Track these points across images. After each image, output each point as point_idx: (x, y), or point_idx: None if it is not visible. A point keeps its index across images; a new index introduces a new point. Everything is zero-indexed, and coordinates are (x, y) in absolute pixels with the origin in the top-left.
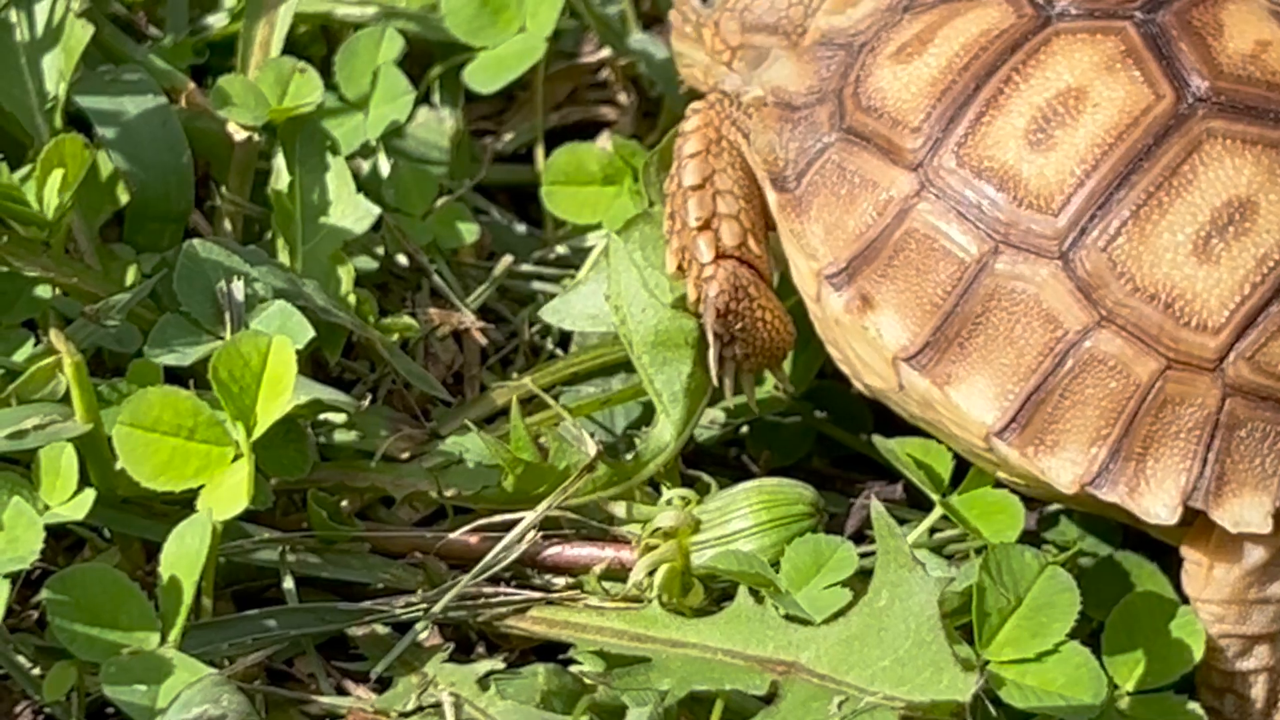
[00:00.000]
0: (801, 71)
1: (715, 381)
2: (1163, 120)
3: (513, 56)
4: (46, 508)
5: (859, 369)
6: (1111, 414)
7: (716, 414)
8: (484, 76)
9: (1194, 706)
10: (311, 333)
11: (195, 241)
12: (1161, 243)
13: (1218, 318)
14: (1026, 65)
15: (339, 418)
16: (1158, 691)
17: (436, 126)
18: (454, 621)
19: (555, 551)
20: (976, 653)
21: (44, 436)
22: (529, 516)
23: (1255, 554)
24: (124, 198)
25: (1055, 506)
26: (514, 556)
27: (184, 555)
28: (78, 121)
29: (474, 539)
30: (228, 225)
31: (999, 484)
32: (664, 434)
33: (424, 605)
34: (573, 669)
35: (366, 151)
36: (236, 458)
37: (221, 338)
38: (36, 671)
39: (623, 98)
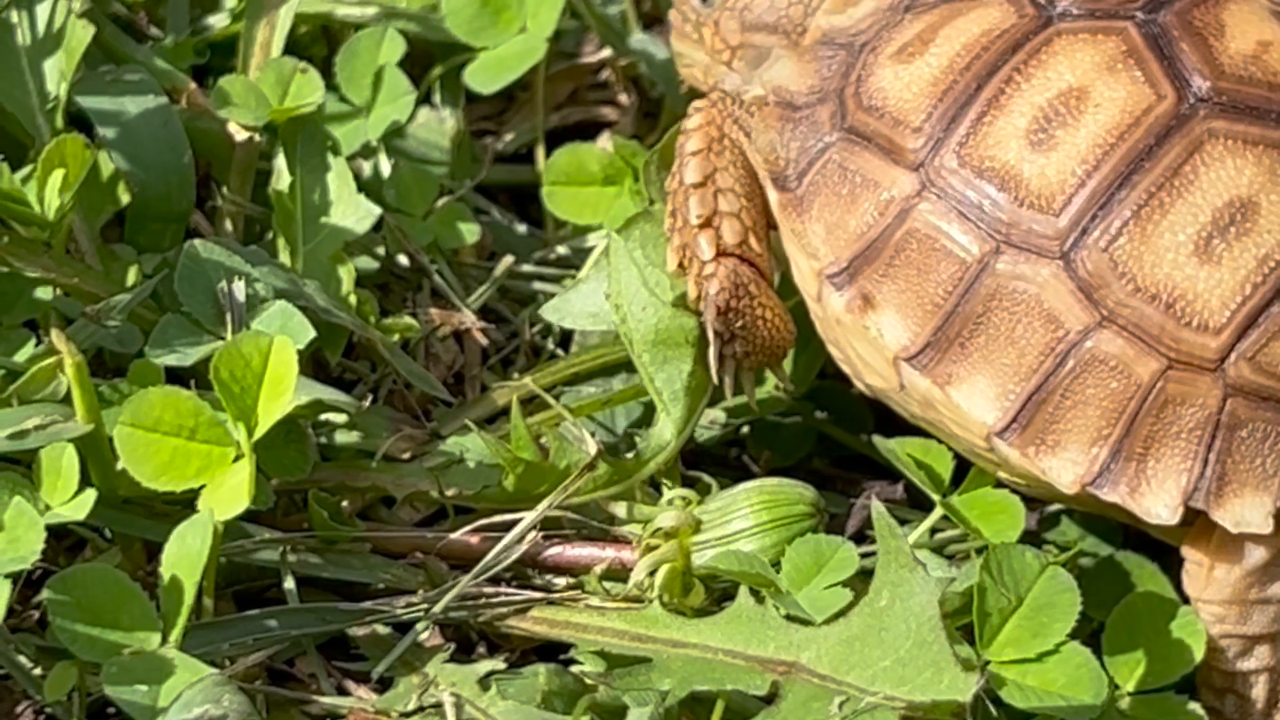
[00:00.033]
0: (803, 71)
1: (715, 379)
2: (1164, 120)
3: (513, 57)
4: (48, 508)
5: (860, 369)
6: (1112, 414)
7: (717, 414)
8: (485, 77)
9: (1195, 707)
10: (312, 333)
11: (196, 242)
12: (1163, 243)
13: (1219, 318)
14: (1028, 65)
15: (340, 418)
16: (1158, 692)
17: (437, 127)
18: (455, 622)
19: (556, 552)
20: (977, 653)
21: (45, 437)
22: (529, 516)
23: (1256, 554)
24: (125, 198)
25: (1056, 507)
26: (515, 556)
27: (185, 555)
28: (79, 122)
29: (475, 539)
30: (229, 225)
31: (1000, 484)
32: (664, 433)
33: (425, 605)
34: (574, 669)
35: (367, 152)
36: (237, 458)
37: (223, 338)
38: (38, 671)
39: (623, 98)
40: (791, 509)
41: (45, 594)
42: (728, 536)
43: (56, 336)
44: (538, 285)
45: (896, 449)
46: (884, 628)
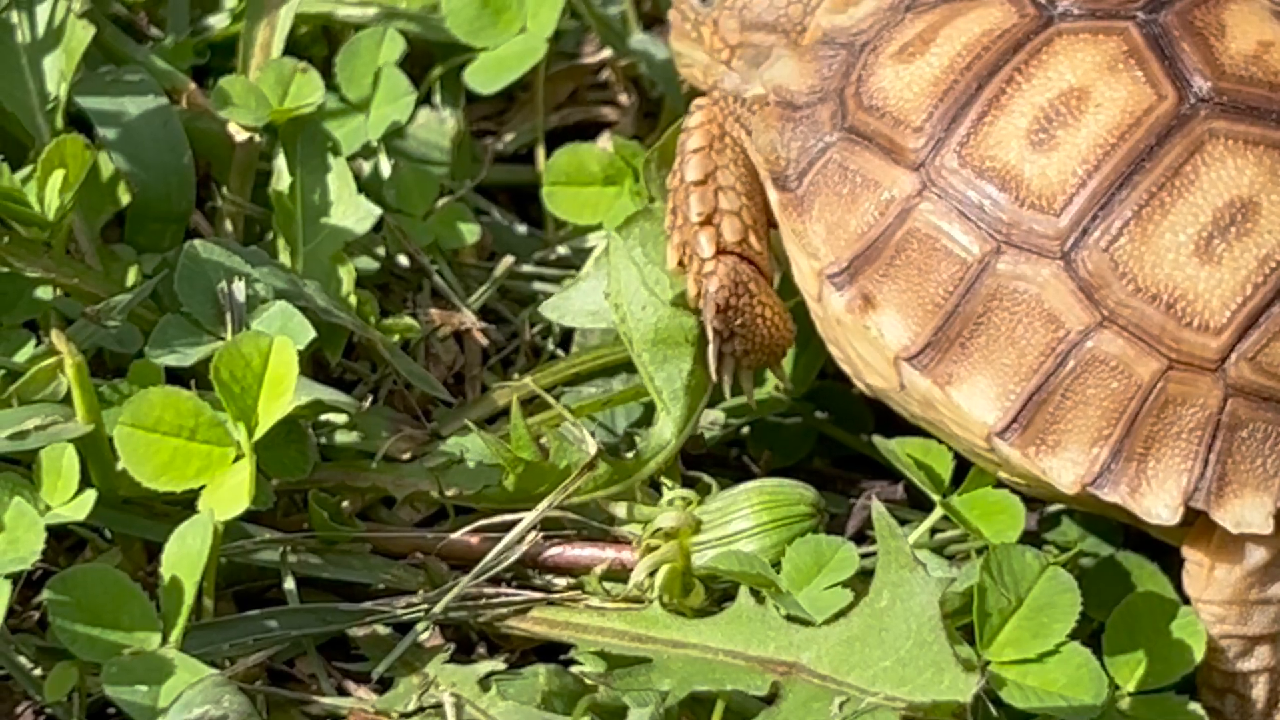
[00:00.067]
0: (803, 70)
1: (714, 378)
2: (1165, 120)
3: (513, 57)
4: (48, 508)
5: (860, 369)
6: (1113, 414)
7: (717, 414)
8: (485, 77)
9: (1195, 707)
10: (312, 333)
11: (196, 242)
12: (1163, 243)
13: (1220, 318)
14: (1029, 65)
15: (340, 418)
16: (1159, 692)
17: (437, 127)
18: (455, 622)
19: (556, 552)
20: (977, 653)
21: (45, 437)
22: (529, 516)
23: (1257, 554)
24: (125, 198)
25: (1056, 507)
26: (515, 557)
27: (185, 556)
28: (79, 122)
29: (475, 539)
30: (229, 226)
31: (1000, 484)
32: (665, 432)
33: (425, 606)
34: (574, 669)
35: (368, 152)
36: (238, 458)
37: (223, 338)
38: (38, 672)
39: (624, 98)
40: (792, 509)
41: (45, 594)
42: (728, 537)
43: (56, 337)
44: (538, 285)
45: (896, 449)
46: (884, 628)
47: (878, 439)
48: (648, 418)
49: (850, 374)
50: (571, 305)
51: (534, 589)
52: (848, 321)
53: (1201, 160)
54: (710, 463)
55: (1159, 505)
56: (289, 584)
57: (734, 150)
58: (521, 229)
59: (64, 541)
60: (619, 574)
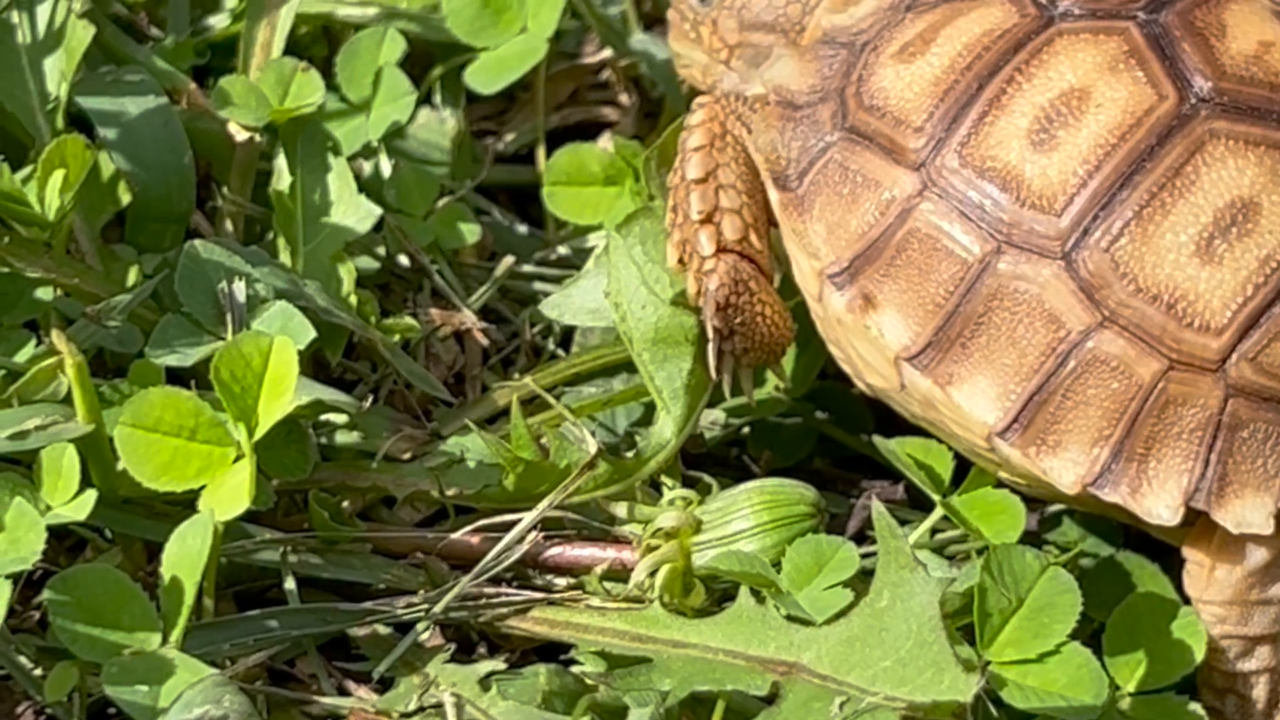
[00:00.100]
0: (804, 70)
1: (714, 376)
2: (1166, 121)
3: (514, 57)
4: (48, 508)
5: (861, 369)
6: (1114, 414)
7: (718, 414)
8: (485, 77)
9: (1195, 707)
10: (313, 333)
11: (197, 242)
12: (1164, 243)
13: (1220, 318)
14: (1029, 65)
15: (340, 418)
16: (1159, 692)
17: (438, 127)
18: (455, 622)
19: (557, 552)
20: (978, 653)
21: (46, 437)
22: (529, 515)
23: (1257, 555)
24: (125, 198)
25: (1057, 507)
26: (515, 557)
27: (185, 556)
28: (79, 122)
29: (475, 539)
30: (229, 226)
31: (1000, 484)
32: (665, 431)
33: (425, 606)
34: (574, 669)
35: (368, 152)
36: (238, 458)
37: (223, 338)
38: (38, 672)
39: (624, 98)
40: (792, 509)
41: (46, 594)
42: (728, 537)
43: (57, 337)
44: (538, 285)
45: (897, 449)
46: (885, 628)
47: (878, 439)
48: (648, 417)
49: (851, 374)
50: (571, 303)
51: (534, 589)
52: (848, 321)
53: (1202, 160)
54: (710, 463)
55: (1160, 505)
56: (289, 584)
57: (735, 148)
58: (522, 229)
59: (64, 541)
60: (619, 574)
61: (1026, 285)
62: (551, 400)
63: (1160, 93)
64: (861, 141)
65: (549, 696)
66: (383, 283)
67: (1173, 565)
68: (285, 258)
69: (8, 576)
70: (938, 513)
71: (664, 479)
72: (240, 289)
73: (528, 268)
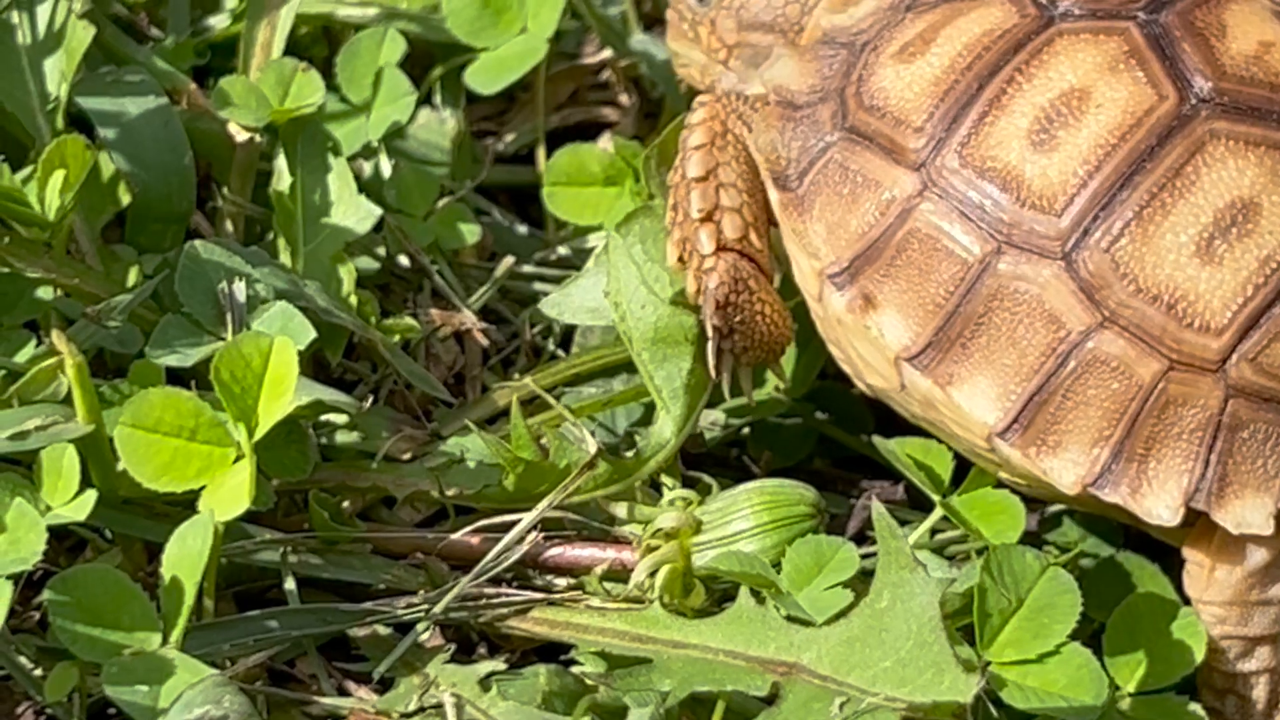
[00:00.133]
0: (804, 70)
1: (713, 374)
2: (1166, 121)
3: (514, 57)
4: (48, 509)
5: (861, 369)
6: (1114, 415)
7: (718, 415)
8: (485, 77)
9: (1195, 708)
10: (313, 333)
11: (197, 242)
12: (1164, 244)
13: (1220, 319)
14: (1029, 65)
15: (340, 418)
16: (1159, 693)
17: (438, 127)
18: (455, 622)
19: (557, 552)
20: (978, 654)
21: (46, 437)
22: (529, 515)
23: (1257, 555)
24: (126, 198)
25: (1057, 507)
26: (515, 557)
27: (185, 556)
28: (79, 122)
29: (475, 540)
30: (229, 226)
31: (1000, 484)
32: (665, 430)
33: (425, 606)
34: (574, 670)
35: (368, 152)
36: (238, 458)
37: (223, 339)
38: (38, 672)
39: (624, 99)
40: (792, 510)
41: (46, 595)
42: (728, 537)
43: (57, 337)
44: (538, 286)
45: (896, 449)
46: (885, 629)
47: (878, 439)
48: (648, 418)
49: (851, 374)
50: (571, 302)
51: (534, 589)
52: (848, 321)
53: (1202, 161)
54: (710, 463)
55: (1160, 506)
56: (289, 584)
57: (736, 147)
58: (522, 229)
59: (65, 542)
60: (619, 574)
61: (1027, 285)
62: (551, 401)
63: (1160, 93)
64: (861, 141)
65: (549, 697)
66: (383, 283)
67: (1173, 565)
68: (285, 258)
69: (8, 577)
70: (938, 513)
71: (664, 479)
72: (240, 289)
73: (528, 268)
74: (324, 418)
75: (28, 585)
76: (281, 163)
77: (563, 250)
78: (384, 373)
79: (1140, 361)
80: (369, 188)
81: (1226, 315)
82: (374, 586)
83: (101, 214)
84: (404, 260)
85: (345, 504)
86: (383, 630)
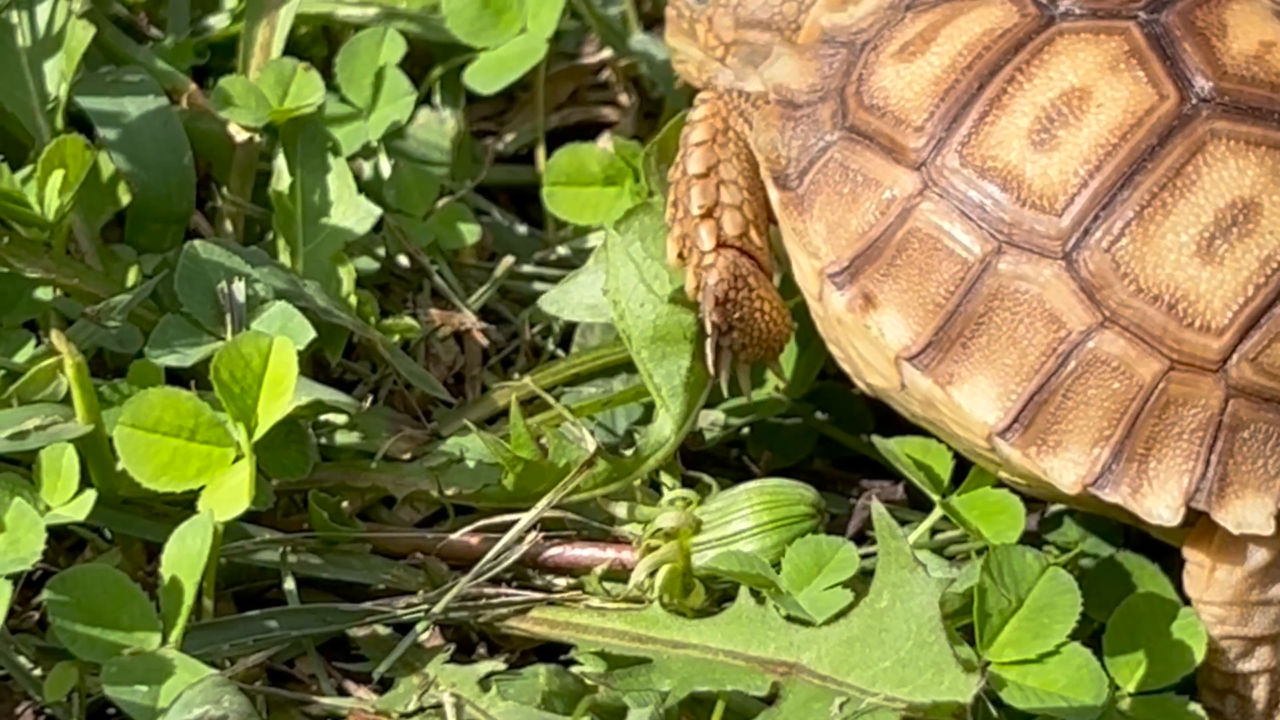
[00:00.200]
0: (804, 69)
1: (711, 371)
2: (1166, 121)
3: (514, 57)
4: (48, 508)
5: (861, 368)
6: (1114, 415)
7: (718, 415)
8: (485, 77)
9: (1195, 708)
10: (313, 333)
11: (196, 242)
12: (1165, 243)
13: (1221, 319)
14: (1030, 65)
15: (340, 418)
16: (1159, 693)
17: (438, 127)
18: (455, 622)
19: (556, 552)
20: (978, 654)
21: (45, 437)
22: (528, 514)
23: (1258, 555)
24: (125, 198)
25: (1057, 507)
26: (515, 557)
27: (185, 556)
28: (79, 122)
29: (475, 539)
30: (229, 226)
31: (1000, 484)
32: (664, 429)
33: (425, 606)
34: (574, 670)
35: (368, 152)
36: (238, 458)
37: (223, 338)
38: (38, 672)
39: (624, 99)
40: (792, 510)
41: (45, 595)
42: (728, 537)
43: (57, 337)
44: (538, 286)
45: (896, 449)
46: (884, 629)
47: (877, 439)
48: (648, 418)
49: (851, 374)
50: (570, 299)
51: (534, 589)
52: (849, 321)
53: (1203, 161)
54: (710, 463)
55: (1160, 506)
56: (289, 584)
57: (737, 145)
58: (522, 229)
59: (64, 542)
60: (619, 574)
61: (1027, 285)
62: (551, 400)
63: (1161, 93)
64: (862, 141)
65: (549, 697)
66: (382, 283)
67: (1173, 566)
68: (285, 258)
69: (8, 577)
70: (937, 513)
71: (664, 479)
72: (240, 289)
73: (527, 268)
74: (324, 418)
75: (27, 585)
76: (281, 163)
77: (563, 250)
78: (384, 373)
79: (1141, 361)
80: (369, 188)
81: (1227, 315)
82: (374, 586)
83: (101, 214)
84: (404, 260)
85: (345, 504)
86: (382, 630)
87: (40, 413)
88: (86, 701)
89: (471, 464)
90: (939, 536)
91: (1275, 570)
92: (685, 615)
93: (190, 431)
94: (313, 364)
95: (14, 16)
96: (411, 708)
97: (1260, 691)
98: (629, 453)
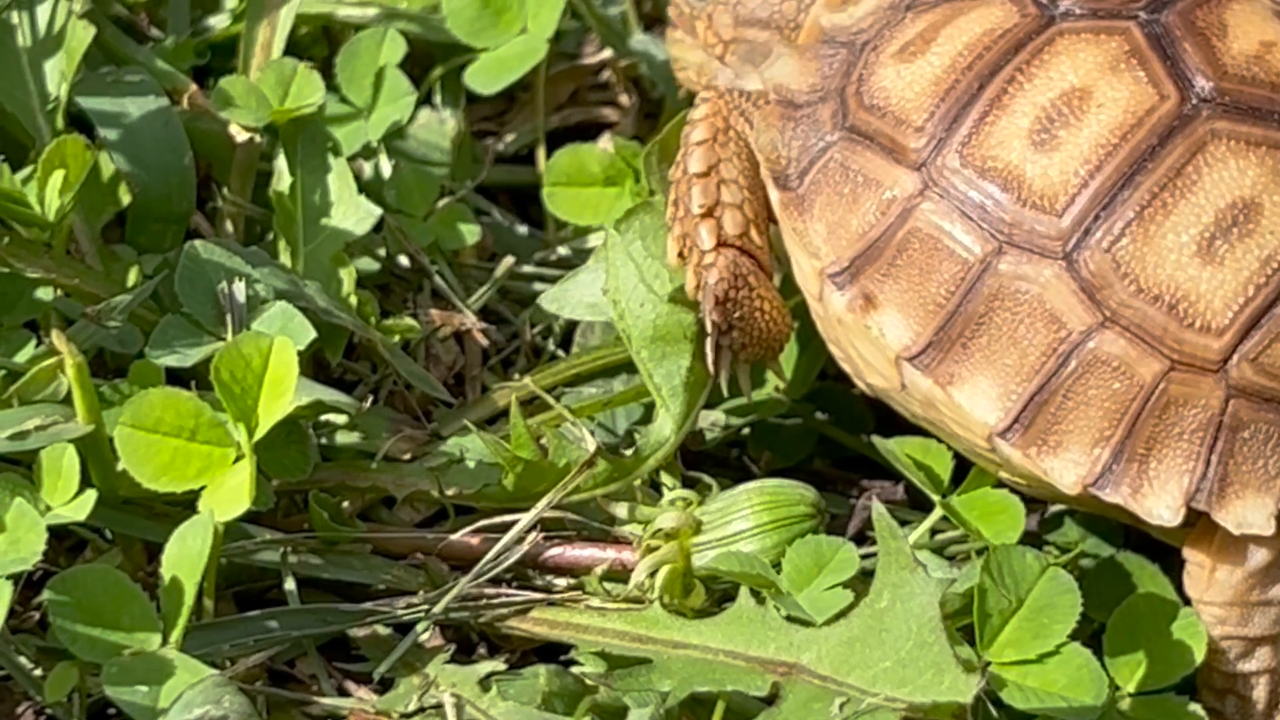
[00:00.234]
0: (804, 69)
1: (711, 370)
2: (1167, 121)
3: (514, 58)
4: (48, 509)
5: (861, 368)
6: (1115, 415)
7: (718, 415)
8: (485, 78)
9: (1195, 708)
10: (313, 334)
11: (197, 243)
12: (1165, 244)
13: (1221, 319)
14: (1030, 65)
15: (340, 419)
16: (1159, 693)
17: (438, 128)
18: (455, 622)
19: (557, 552)
20: (978, 654)
21: (46, 437)
22: (528, 514)
23: (1258, 556)
24: (126, 199)
25: (1057, 507)
26: (515, 557)
27: (185, 556)
28: (79, 123)
29: (475, 540)
30: (229, 226)
31: (1000, 484)
32: (664, 428)
33: (425, 606)
34: (574, 670)
35: (368, 153)
36: (238, 459)
37: (223, 339)
38: (38, 672)
39: (624, 99)
40: (792, 510)
41: (46, 595)
42: (728, 537)
43: (57, 337)
44: (538, 286)
45: (896, 449)
46: (885, 629)
47: (877, 439)
48: (648, 418)
49: (851, 374)
50: (570, 298)
51: (534, 589)
52: (849, 321)
53: (1204, 161)
54: (710, 463)
55: (1160, 506)
56: (289, 584)
57: (738, 144)
58: (522, 230)
59: (64, 542)
60: (619, 574)
61: (1028, 285)
62: (551, 401)
63: (1161, 93)
64: (862, 141)
65: (549, 697)
66: (383, 283)
67: (1173, 566)
68: (285, 258)
69: (8, 577)
70: (937, 513)
71: (664, 479)
72: (240, 290)
73: (528, 268)
74: (324, 418)
75: (28, 585)
76: (281, 163)
77: (563, 250)
78: (384, 373)
79: (1141, 362)
80: (369, 188)
81: (1228, 315)
82: (374, 587)
83: (101, 214)
84: (404, 260)
85: (345, 504)
86: (383, 630)
87: (41, 413)
88: (87, 702)
89: (472, 464)
90: (939, 536)
91: (1275, 571)
92: (685, 615)
93: (191, 432)
94: (313, 364)
95: (14, 16)
96: (412, 708)
97: (1260, 692)
98: (629, 453)
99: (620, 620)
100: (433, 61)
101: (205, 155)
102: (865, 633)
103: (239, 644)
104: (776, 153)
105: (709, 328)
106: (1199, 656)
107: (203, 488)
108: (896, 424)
